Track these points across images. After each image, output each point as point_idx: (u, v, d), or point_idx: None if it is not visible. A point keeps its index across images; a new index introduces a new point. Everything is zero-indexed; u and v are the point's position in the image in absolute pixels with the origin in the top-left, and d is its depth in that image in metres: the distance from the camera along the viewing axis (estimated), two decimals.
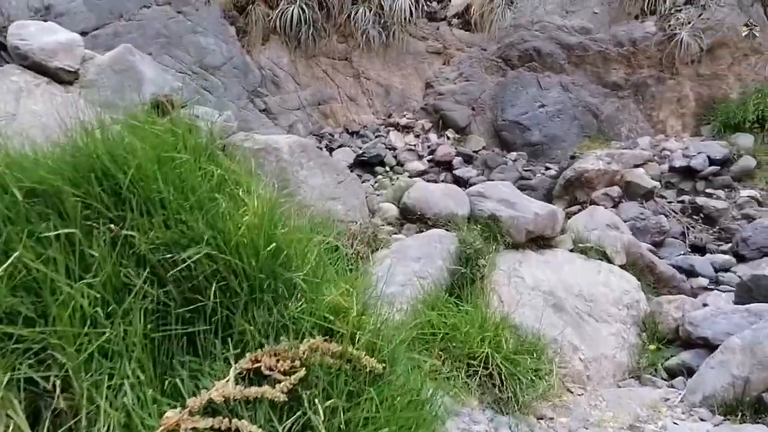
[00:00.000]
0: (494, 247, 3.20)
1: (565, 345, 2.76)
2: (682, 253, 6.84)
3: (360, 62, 10.22)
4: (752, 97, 8.72)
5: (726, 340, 2.64)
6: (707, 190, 7.99)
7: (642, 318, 3.09)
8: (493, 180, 8.58)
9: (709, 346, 2.80)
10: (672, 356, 2.90)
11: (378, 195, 3.98)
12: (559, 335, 2.80)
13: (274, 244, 1.77)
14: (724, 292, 5.80)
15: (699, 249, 7.11)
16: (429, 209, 3.33)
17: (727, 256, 6.61)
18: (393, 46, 10.13)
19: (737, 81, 9.23)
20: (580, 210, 7.95)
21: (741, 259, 6.64)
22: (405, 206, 3.42)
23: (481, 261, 3.02)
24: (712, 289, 6.03)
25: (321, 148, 8.58)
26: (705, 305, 3.19)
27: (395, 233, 3.31)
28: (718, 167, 8.06)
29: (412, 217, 3.37)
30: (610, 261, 3.57)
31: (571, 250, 3.55)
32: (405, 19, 9.98)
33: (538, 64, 9.58)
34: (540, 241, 3.46)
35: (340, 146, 9.49)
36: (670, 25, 9.27)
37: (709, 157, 8.14)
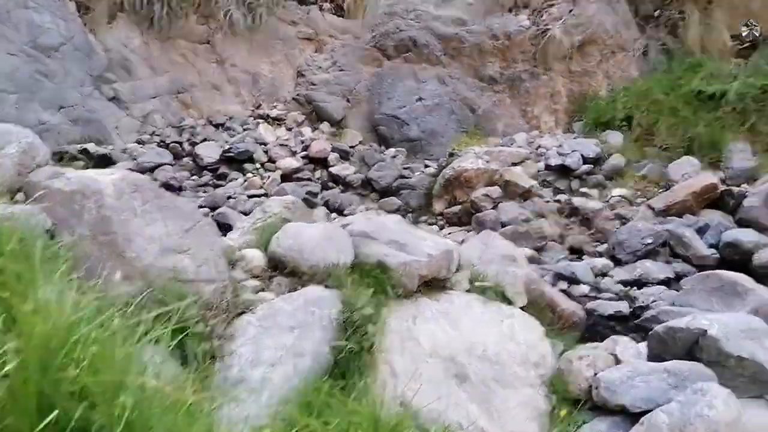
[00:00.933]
0: (383, 300, 2.68)
1: (471, 430, 2.31)
2: (563, 257, 6.76)
3: (223, 47, 9.28)
4: (620, 94, 8.88)
5: (650, 414, 2.34)
6: (582, 189, 8.02)
7: (550, 377, 2.75)
8: (371, 177, 8.12)
9: (627, 414, 2.50)
10: (585, 422, 2.58)
11: (238, 234, 3.27)
12: (464, 418, 2.35)
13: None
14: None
15: (577, 251, 7.09)
16: (304, 260, 2.71)
17: (604, 260, 6.60)
18: (260, 30, 9.29)
19: (606, 78, 9.39)
20: (461, 210, 7.73)
21: (618, 262, 6.67)
22: (274, 255, 2.77)
23: (369, 327, 2.49)
24: (594, 297, 5.97)
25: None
26: (614, 356, 2.90)
27: (262, 289, 2.67)
28: (591, 166, 8.11)
29: (283, 270, 2.74)
30: (510, 303, 3.20)
31: (468, 290, 3.12)
32: (272, 1, 9.15)
33: (414, 55, 9.18)
34: (434, 284, 3.00)
35: (203, 140, 8.55)
36: (543, 20, 9.21)
37: (582, 155, 8.17)
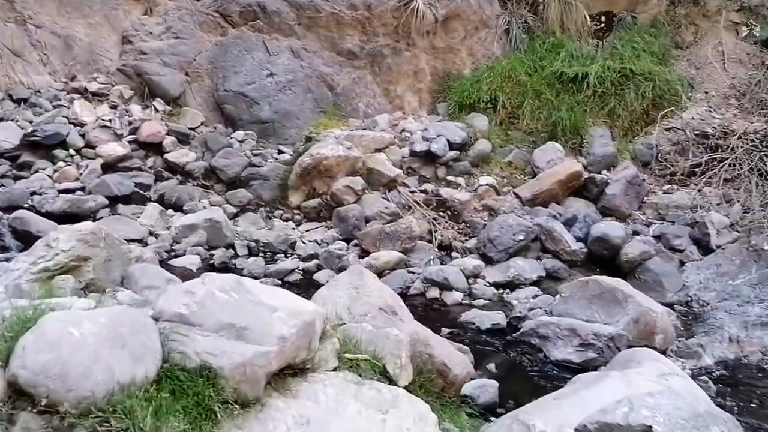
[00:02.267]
0: (209, 426, 1.75)
1: None
2: (432, 257, 6.17)
3: (25, 3, 7.51)
4: (484, 75, 8.42)
5: None
6: (449, 177, 7.49)
7: None
8: (215, 166, 6.99)
9: None
10: None
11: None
12: None
13: None
14: (479, 307, 5.24)
15: (445, 248, 6.54)
16: (69, 390, 1.62)
17: (475, 261, 6.11)
18: None
19: (469, 56, 8.90)
20: (321, 204, 6.87)
21: (488, 261, 6.22)
22: (16, 381, 1.64)
23: None
24: (468, 305, 5.45)
25: None
26: None
27: None
28: (458, 152, 7.59)
29: (34, 404, 1.66)
30: (393, 382, 2.43)
31: (336, 369, 2.30)
32: None
33: (264, 24, 8.04)
34: (290, 370, 2.13)
35: (0, 120, 6.87)
36: None
37: (448, 140, 7.62)
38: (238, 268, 5.66)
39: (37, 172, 6.62)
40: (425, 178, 7.53)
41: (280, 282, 5.42)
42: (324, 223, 6.85)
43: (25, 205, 6.07)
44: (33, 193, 6.25)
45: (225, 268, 5.65)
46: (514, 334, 4.87)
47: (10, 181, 6.52)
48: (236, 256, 6.03)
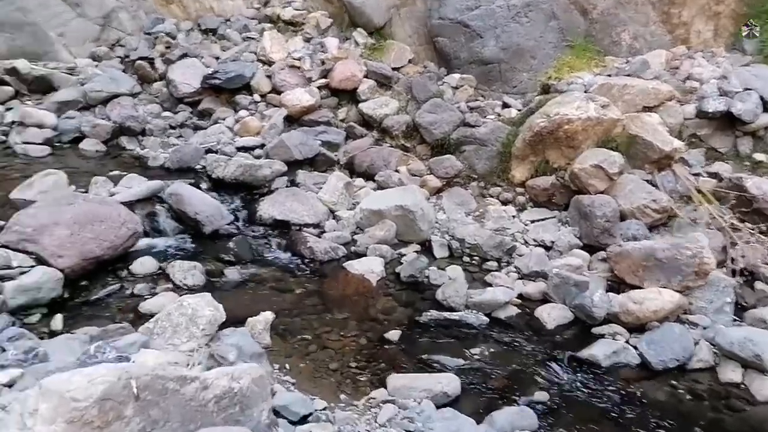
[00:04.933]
0: None
1: None
2: (728, 300, 3.92)
3: None
4: None
5: None
6: (757, 156, 4.99)
7: None
8: (419, 122, 5.38)
9: None
10: None
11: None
12: None
13: None
14: None
15: (747, 276, 4.22)
16: None
17: None
18: None
19: None
20: (555, 185, 4.92)
21: None
22: None
23: None
24: None
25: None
26: None
27: None
28: None
29: None
30: None
31: None
32: None
33: None
34: None
35: (183, 56, 5.93)
36: None
37: (762, 97, 5.04)
38: (431, 283, 4.08)
39: (216, 122, 5.61)
40: (717, 154, 5.12)
41: (486, 319, 3.75)
42: (557, 213, 4.92)
43: (198, 167, 5.09)
44: (208, 151, 5.24)
45: (414, 283, 4.11)
46: None
47: (189, 132, 5.62)
48: (432, 259, 4.43)
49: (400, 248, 4.52)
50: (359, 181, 5.25)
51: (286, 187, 4.97)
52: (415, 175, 5.26)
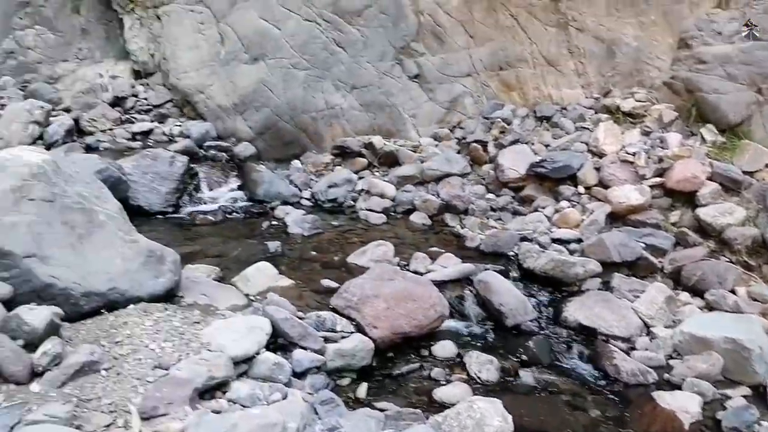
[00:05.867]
0: None
1: None
2: None
3: (571, 2, 6.47)
4: None
5: None
6: None
7: None
8: None
9: None
10: None
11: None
12: None
13: None
14: None
15: None
16: None
17: None
18: None
19: None
20: None
21: None
22: None
23: None
24: None
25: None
26: None
27: None
28: None
29: None
30: None
31: None
32: None
33: None
34: None
35: (514, 142, 6.13)
36: None
37: None
38: None
39: (536, 210, 5.62)
40: None
41: None
42: None
43: (510, 253, 5.14)
44: (523, 239, 5.26)
45: None
46: None
47: (508, 216, 5.74)
48: (766, 411, 3.66)
49: (725, 388, 3.84)
50: (684, 296, 4.66)
51: (598, 290, 4.68)
52: (757, 301, 4.47)
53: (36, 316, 2.58)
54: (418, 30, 6.76)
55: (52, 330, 2.62)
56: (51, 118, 6.34)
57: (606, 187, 5.47)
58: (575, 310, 4.45)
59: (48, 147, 5.97)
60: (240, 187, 6.11)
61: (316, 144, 6.65)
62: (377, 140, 6.44)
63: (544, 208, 5.61)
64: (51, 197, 3.10)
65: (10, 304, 2.69)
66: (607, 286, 4.74)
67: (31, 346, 2.55)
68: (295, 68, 6.62)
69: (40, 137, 6.13)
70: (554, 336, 4.35)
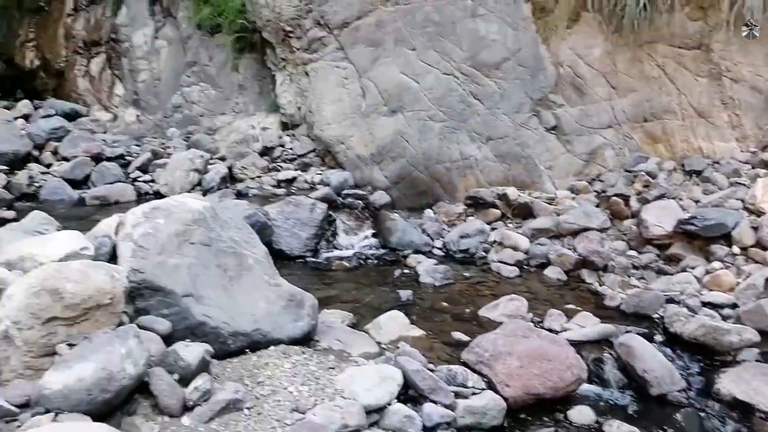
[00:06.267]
0: None
1: None
2: None
3: (725, 51, 6.11)
4: None
5: None
6: None
7: None
8: None
9: None
10: None
11: None
12: None
13: None
14: None
15: None
16: None
17: None
18: None
19: None
20: None
21: None
22: None
23: None
24: None
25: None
26: None
27: None
28: None
29: None
30: None
31: None
32: None
33: None
34: None
35: (660, 197, 5.79)
36: None
37: None
38: None
39: (684, 270, 5.24)
40: None
41: None
42: None
43: (655, 315, 4.81)
44: (669, 300, 4.91)
45: None
46: None
47: (652, 275, 5.40)
48: None
49: None
50: None
51: (756, 361, 4.23)
52: None
53: (191, 352, 2.78)
54: (557, 81, 6.68)
55: (204, 367, 2.80)
56: (209, 166, 6.96)
57: (765, 248, 5.01)
58: (730, 383, 4.04)
59: (204, 193, 6.55)
60: (374, 235, 6.27)
61: (449, 194, 6.70)
62: (511, 191, 6.37)
63: (693, 268, 5.21)
64: (208, 241, 3.37)
65: (168, 339, 2.93)
66: (765, 358, 4.28)
67: (183, 380, 2.74)
68: (432, 120, 6.77)
69: (199, 183, 6.74)
70: (705, 409, 3.98)
